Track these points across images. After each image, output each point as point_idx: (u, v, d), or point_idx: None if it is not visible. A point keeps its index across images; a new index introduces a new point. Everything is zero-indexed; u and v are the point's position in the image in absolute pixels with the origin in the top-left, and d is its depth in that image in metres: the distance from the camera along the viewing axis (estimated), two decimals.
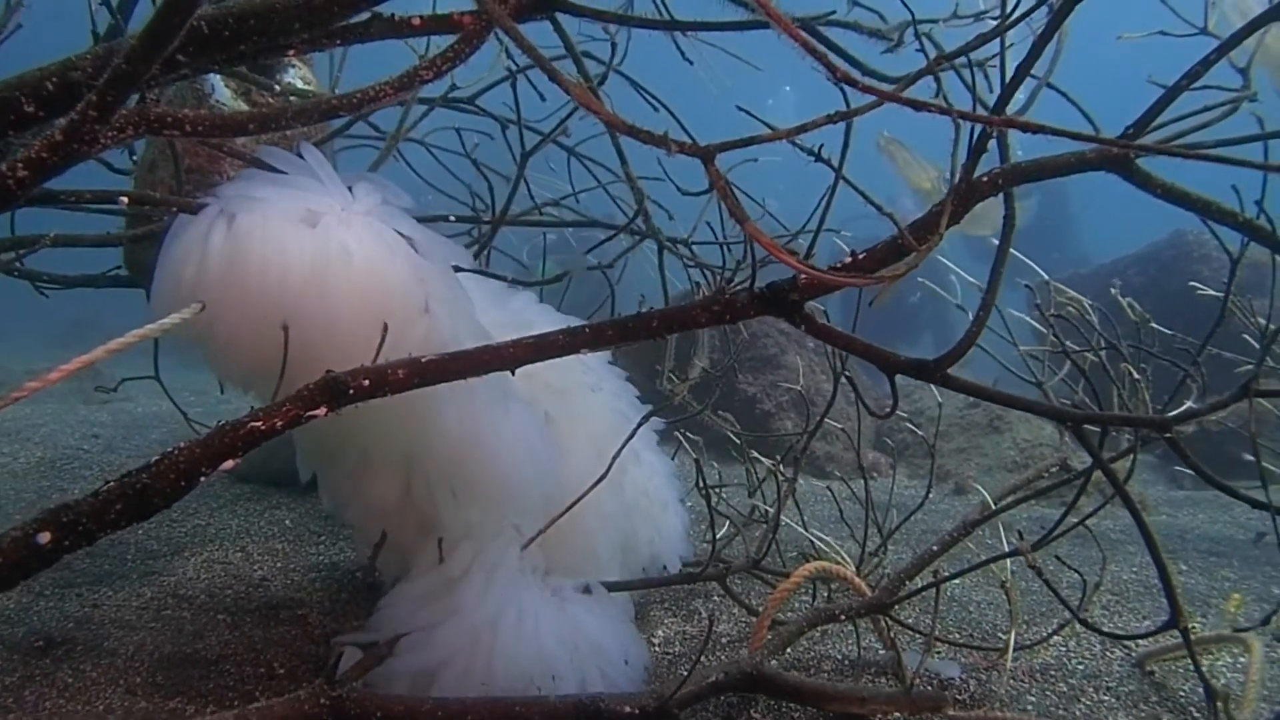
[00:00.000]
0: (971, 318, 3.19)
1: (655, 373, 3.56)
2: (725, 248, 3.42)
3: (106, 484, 1.70)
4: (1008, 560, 2.67)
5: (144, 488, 1.70)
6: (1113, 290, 3.55)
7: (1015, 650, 2.74)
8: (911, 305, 12.80)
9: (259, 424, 1.79)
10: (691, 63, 3.18)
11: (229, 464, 1.79)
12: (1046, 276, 3.55)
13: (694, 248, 3.38)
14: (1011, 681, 2.66)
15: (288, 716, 1.87)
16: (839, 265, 1.92)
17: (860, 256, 1.91)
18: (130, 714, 2.11)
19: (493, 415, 2.31)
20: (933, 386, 2.11)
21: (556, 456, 2.50)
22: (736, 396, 6.59)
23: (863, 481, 3.28)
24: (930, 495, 5.55)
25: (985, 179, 1.93)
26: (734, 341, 3.77)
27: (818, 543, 3.26)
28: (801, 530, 3.30)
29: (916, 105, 1.38)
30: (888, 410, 2.14)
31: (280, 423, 1.81)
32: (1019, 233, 2.14)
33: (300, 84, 3.54)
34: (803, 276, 1.89)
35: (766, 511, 3.56)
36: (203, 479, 1.79)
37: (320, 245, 2.14)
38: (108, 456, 5.08)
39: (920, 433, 3.58)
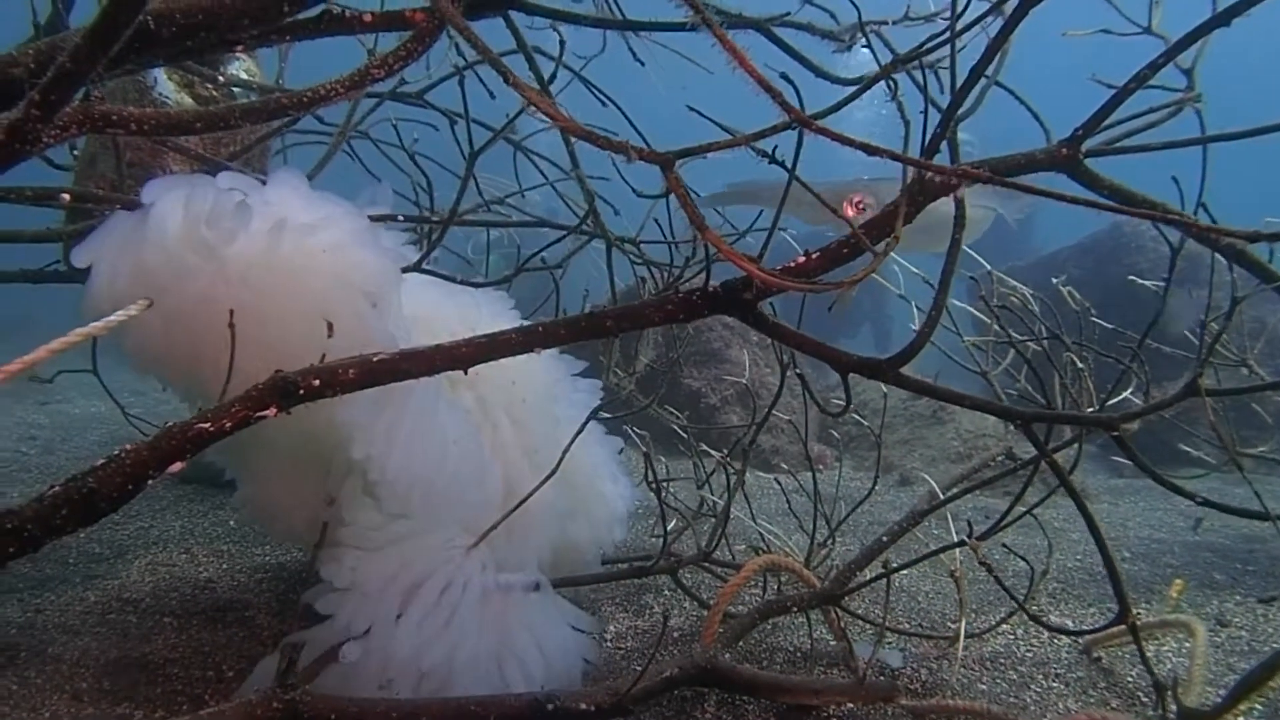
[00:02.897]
0: (915, 311, 3.26)
1: (599, 365, 3.56)
2: (673, 246, 3.43)
3: (51, 488, 1.67)
4: (956, 550, 2.70)
5: (90, 491, 1.67)
6: (1055, 281, 3.61)
7: (965, 639, 2.78)
8: (850, 297, 12.89)
9: (207, 425, 1.77)
10: (643, 64, 3.18)
11: (177, 466, 1.76)
12: (989, 267, 3.60)
13: (642, 246, 3.38)
14: (962, 670, 2.70)
15: None
16: (792, 265, 1.93)
17: (813, 256, 1.92)
18: None
19: (427, 416, 2.29)
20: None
21: (488, 454, 2.48)
22: (681, 390, 6.59)
23: (809, 474, 3.30)
24: (876, 487, 5.63)
25: (937, 179, 1.95)
26: (679, 336, 3.79)
27: (766, 535, 3.28)
28: (750, 523, 3.32)
29: (868, 149, 1.39)
30: (840, 408, 2.16)
31: (229, 424, 1.79)
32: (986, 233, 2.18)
33: (244, 75, 3.49)
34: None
35: (715, 504, 3.58)
36: (149, 482, 1.76)
37: (268, 240, 2.12)
38: (46, 459, 4.98)
39: (866, 424, 3.61)
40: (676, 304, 1.92)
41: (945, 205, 2.05)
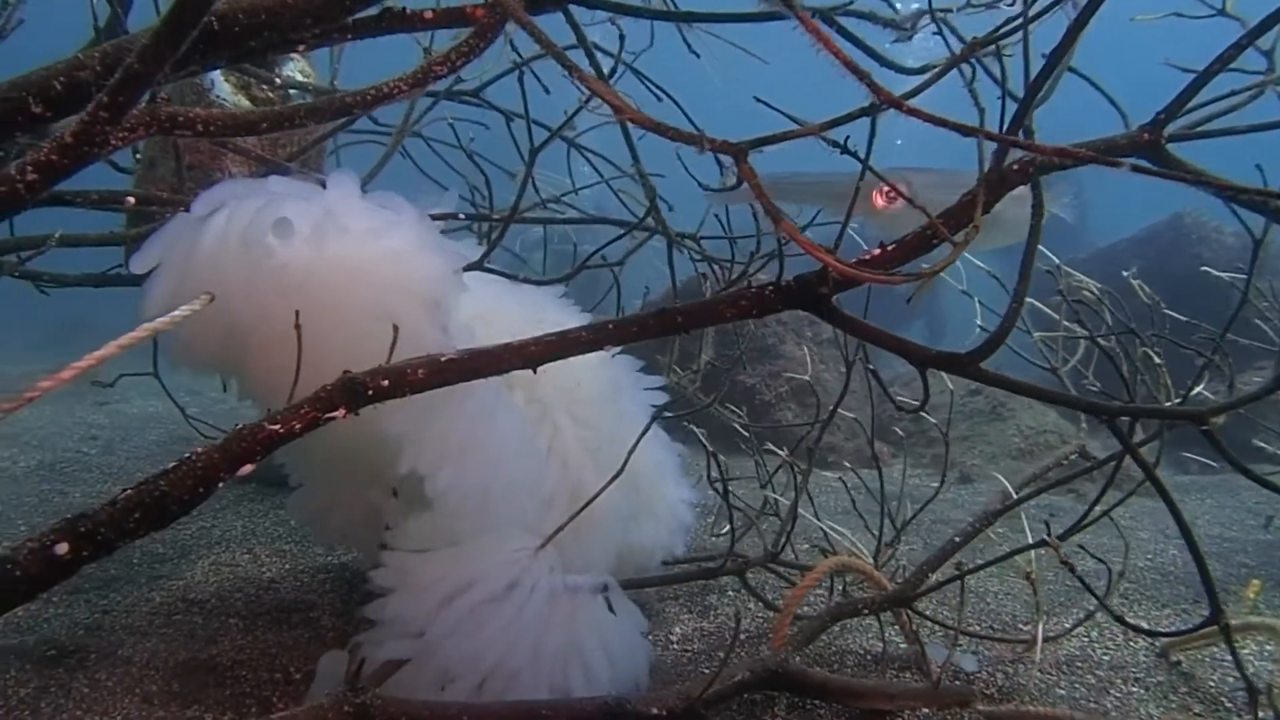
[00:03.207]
0: (978, 306, 3.19)
1: (656, 365, 3.53)
2: (733, 242, 3.39)
3: (124, 491, 1.66)
4: (1031, 551, 2.63)
5: (162, 495, 1.66)
6: (1125, 274, 3.52)
7: (1040, 642, 2.71)
8: (902, 293, 12.69)
9: (276, 428, 1.75)
10: (699, 55, 3.14)
11: (247, 469, 1.75)
12: (1057, 260, 3.52)
13: (702, 242, 3.34)
14: (1038, 674, 2.64)
15: None
16: (867, 257, 1.88)
17: (889, 248, 1.87)
18: None
19: (481, 425, 2.26)
20: (942, 375, 2.08)
21: (547, 457, 2.46)
22: (736, 388, 6.53)
23: (867, 472, 3.25)
24: (936, 484, 5.55)
25: (1015, 167, 1.89)
26: (739, 333, 3.74)
27: (834, 535, 3.23)
28: (817, 523, 3.27)
29: (964, 129, 1.34)
30: (910, 405, 2.11)
31: (298, 426, 1.77)
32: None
33: (299, 77, 3.49)
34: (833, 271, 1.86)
35: (777, 503, 3.53)
36: (220, 484, 1.75)
37: (328, 246, 2.11)
38: (107, 458, 5.03)
39: (933, 420, 3.54)
40: (750, 299, 1.88)
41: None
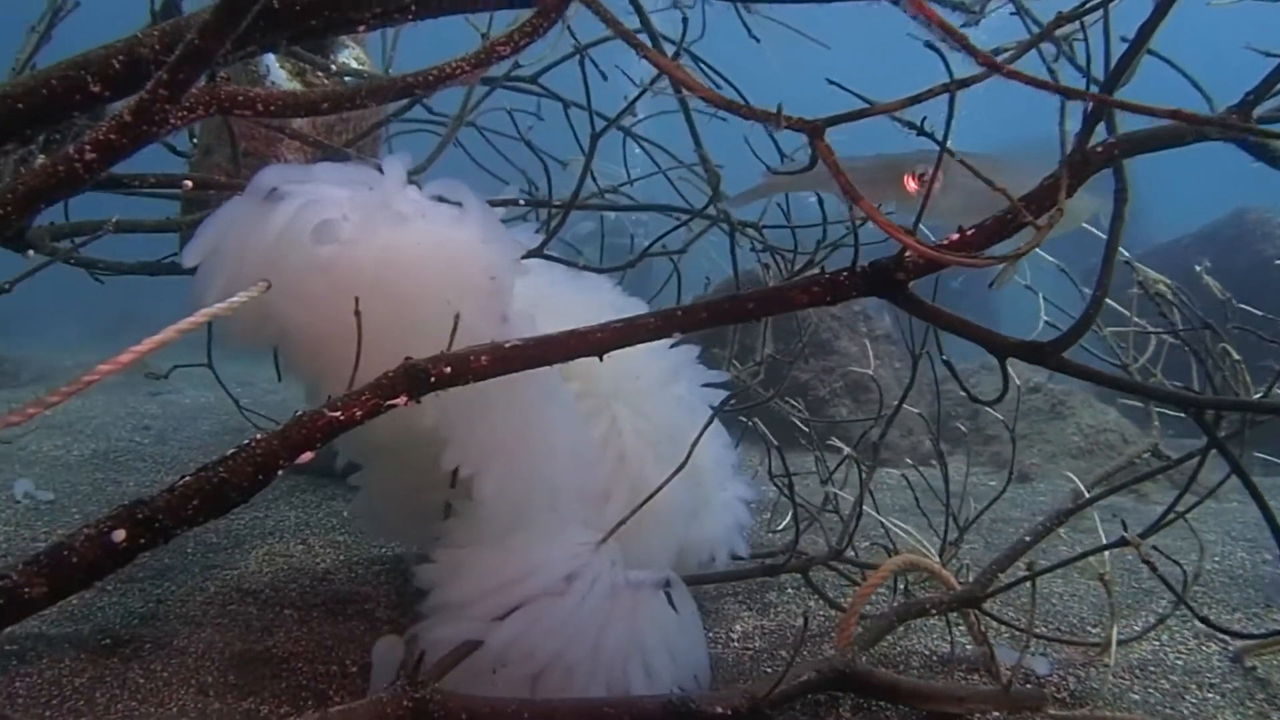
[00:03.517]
0: (1042, 302, 3.10)
1: (714, 359, 3.46)
2: (793, 231, 3.31)
3: (182, 478, 1.62)
4: (1104, 552, 2.54)
5: (221, 482, 1.62)
6: (1198, 268, 3.40)
7: (1110, 645, 2.62)
8: (954, 290, 12.46)
9: (338, 414, 1.71)
10: (759, 40, 3.08)
11: (307, 456, 1.71)
12: (1128, 255, 3.41)
13: (764, 232, 3.27)
14: (1112, 678, 2.55)
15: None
16: (946, 241, 1.81)
17: (968, 233, 1.80)
18: (205, 716, 2.04)
19: (531, 424, 2.22)
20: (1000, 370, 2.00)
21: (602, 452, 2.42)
22: (790, 383, 6.45)
23: (923, 469, 3.17)
24: (993, 483, 5.44)
25: (1099, 149, 1.81)
26: (803, 324, 3.68)
27: (900, 533, 3.15)
28: (881, 520, 3.19)
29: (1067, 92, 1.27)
30: (997, 393, 2.03)
31: (359, 412, 1.73)
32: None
33: (354, 64, 3.46)
34: (910, 255, 1.79)
35: (836, 499, 3.46)
36: (279, 472, 1.71)
37: (386, 234, 2.08)
38: (160, 448, 5.04)
39: (1001, 418, 3.44)
40: (823, 285, 1.81)
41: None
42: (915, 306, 1.84)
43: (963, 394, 2.24)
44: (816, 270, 1.97)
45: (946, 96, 1.65)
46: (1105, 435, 6.04)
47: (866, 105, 1.61)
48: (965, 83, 1.61)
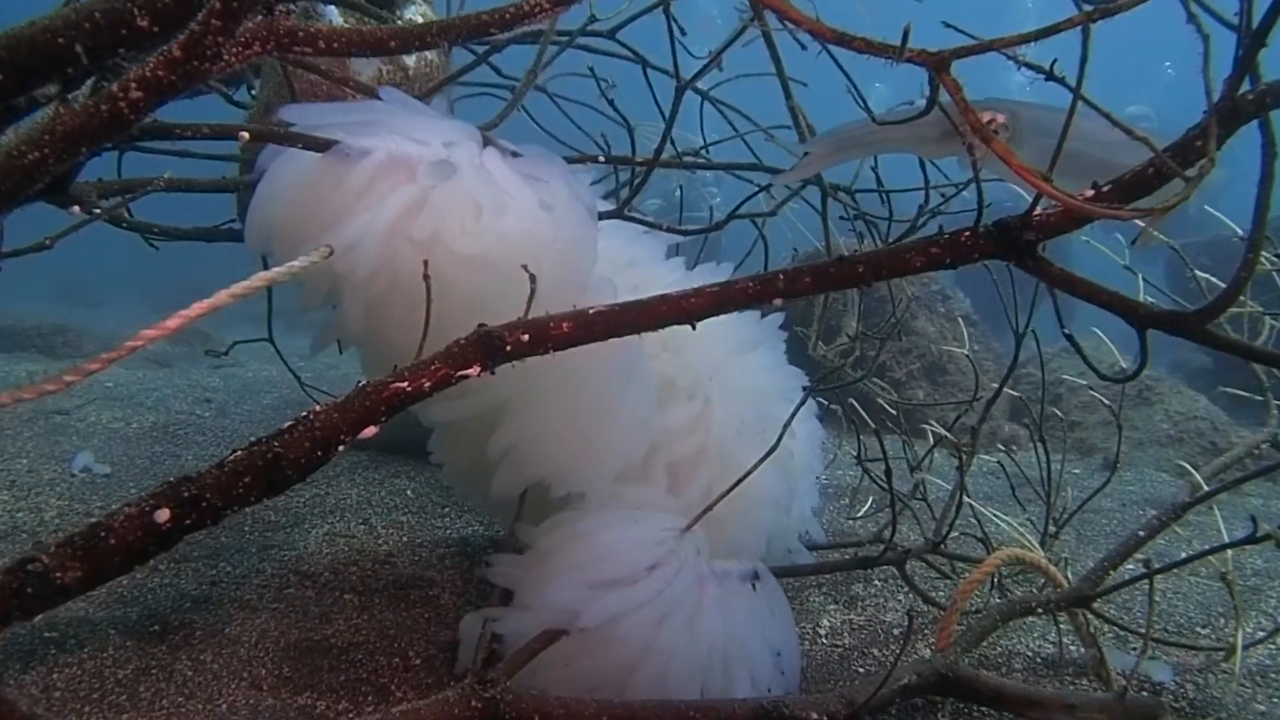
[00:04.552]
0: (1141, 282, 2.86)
1: (797, 337, 3.26)
2: (885, 197, 3.10)
3: (233, 453, 1.46)
4: (1225, 551, 2.32)
5: (275, 457, 1.45)
6: None
7: (1233, 650, 2.40)
8: (1160, 226, 12.09)
9: (404, 385, 1.54)
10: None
11: (370, 431, 1.54)
12: (1239, 230, 3.16)
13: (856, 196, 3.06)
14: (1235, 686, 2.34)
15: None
16: (1082, 197, 1.60)
17: (1104, 189, 1.59)
18: (257, 714, 1.89)
19: (603, 409, 2.07)
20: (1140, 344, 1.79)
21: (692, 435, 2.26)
22: (866, 364, 6.24)
23: (997, 454, 2.95)
24: (1077, 470, 5.19)
25: (1250, 97, 1.59)
26: (896, 304, 3.47)
27: (997, 525, 2.94)
28: (980, 511, 2.98)
29: None
30: (1135, 368, 1.82)
31: (428, 383, 1.56)
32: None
33: (420, 20, 3.29)
34: (1038, 213, 1.59)
35: (925, 487, 3.25)
36: (340, 448, 1.54)
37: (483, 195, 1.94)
38: (221, 421, 4.94)
39: (1106, 403, 3.22)
40: (942, 246, 1.61)
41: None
42: (1045, 270, 1.63)
43: (1036, 378, 2.04)
44: (939, 228, 1.76)
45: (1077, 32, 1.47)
46: (1195, 423, 5.75)
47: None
48: (1109, 11, 1.42)
